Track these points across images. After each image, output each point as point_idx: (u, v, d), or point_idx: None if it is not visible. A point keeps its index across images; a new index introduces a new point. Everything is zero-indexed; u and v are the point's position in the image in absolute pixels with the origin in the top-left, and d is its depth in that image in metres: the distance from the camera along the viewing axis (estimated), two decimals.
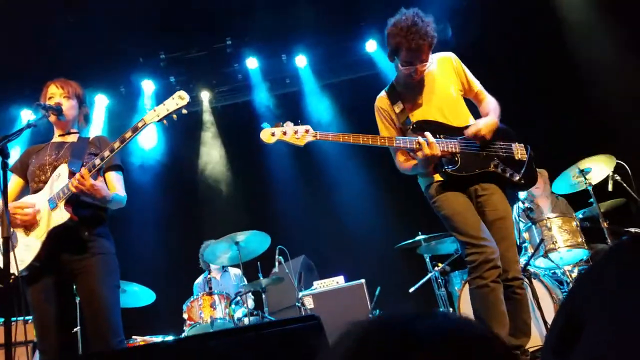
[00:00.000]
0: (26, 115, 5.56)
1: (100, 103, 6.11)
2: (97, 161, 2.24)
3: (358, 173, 5.85)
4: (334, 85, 6.29)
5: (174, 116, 2.29)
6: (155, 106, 2.31)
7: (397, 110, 2.53)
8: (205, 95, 6.37)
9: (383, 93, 2.63)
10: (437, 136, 2.39)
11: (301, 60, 6.13)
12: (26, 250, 2.23)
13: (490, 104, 2.62)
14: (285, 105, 6.35)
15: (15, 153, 2.34)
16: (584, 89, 5.03)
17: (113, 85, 6.12)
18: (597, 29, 5.00)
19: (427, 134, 2.34)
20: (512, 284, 2.41)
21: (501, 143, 2.53)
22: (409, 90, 2.54)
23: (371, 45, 6.05)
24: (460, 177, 2.41)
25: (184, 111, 2.30)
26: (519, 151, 2.55)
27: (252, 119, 6.31)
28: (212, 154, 6.39)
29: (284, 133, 2.38)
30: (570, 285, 3.69)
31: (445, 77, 2.57)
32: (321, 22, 5.65)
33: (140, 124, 2.28)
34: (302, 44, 6.02)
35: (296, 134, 2.38)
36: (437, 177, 2.49)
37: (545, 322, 3.34)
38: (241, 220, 5.32)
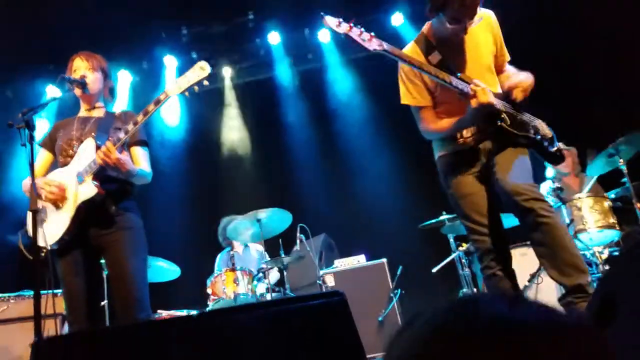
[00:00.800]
0: (52, 90, 5.63)
1: (124, 79, 6.14)
2: (122, 134, 2.24)
3: (381, 151, 5.75)
4: (358, 60, 6.14)
5: (196, 88, 2.28)
6: (177, 78, 2.30)
7: (434, 61, 2.22)
8: (227, 72, 6.33)
9: (412, 44, 2.34)
10: None
11: (324, 35, 5.99)
12: (56, 224, 2.26)
13: (516, 72, 2.41)
14: (309, 81, 6.26)
15: (41, 127, 2.37)
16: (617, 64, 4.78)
17: (136, 61, 6.13)
18: None
19: (478, 81, 2.11)
20: (528, 205, 2.05)
21: (529, 114, 2.38)
22: (447, 47, 2.26)
23: (397, 19, 5.85)
24: (510, 133, 2.20)
25: (206, 82, 2.27)
26: (543, 126, 2.42)
27: (274, 95, 6.25)
28: (234, 131, 6.38)
29: (350, 28, 2.07)
30: (601, 267, 3.58)
31: (487, 37, 2.35)
32: None
33: (162, 97, 2.28)
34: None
35: (361, 35, 2.07)
36: (449, 148, 2.33)
37: None
38: (263, 198, 5.33)
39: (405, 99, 2.36)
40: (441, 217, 4.18)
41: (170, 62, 6.07)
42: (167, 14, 5.54)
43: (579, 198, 3.63)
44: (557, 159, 2.43)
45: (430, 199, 5.02)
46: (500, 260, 2.24)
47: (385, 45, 2.08)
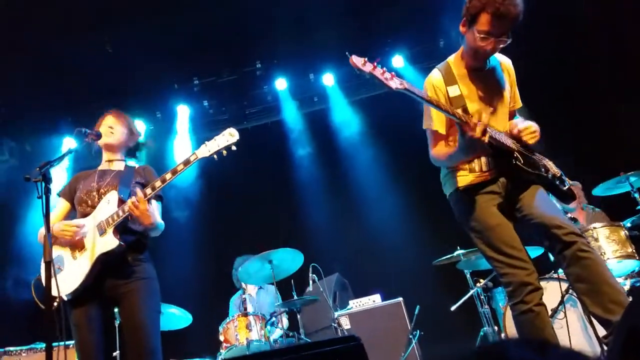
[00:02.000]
0: (69, 142, 5.81)
1: (140, 128, 6.32)
2: (149, 190, 2.32)
3: (391, 188, 5.77)
4: (362, 102, 6.29)
5: (224, 152, 2.37)
6: (207, 141, 2.40)
7: (452, 94, 2.26)
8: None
9: (436, 72, 2.38)
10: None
11: (328, 79, 6.18)
12: (73, 274, 2.29)
13: (522, 120, 2.45)
14: (315, 122, 6.39)
15: (58, 176, 2.43)
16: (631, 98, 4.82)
17: (150, 110, 6.35)
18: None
19: (485, 116, 2.08)
20: (569, 239, 2.04)
21: (538, 154, 2.40)
22: (468, 82, 2.30)
23: (398, 61, 6.03)
24: (524, 171, 2.21)
25: (234, 148, 2.38)
26: (552, 165, 2.42)
27: (282, 137, 6.37)
28: (244, 173, 6.47)
29: (374, 67, 2.07)
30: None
31: (505, 80, 2.39)
32: (346, 39, 5.70)
33: (192, 158, 2.36)
34: (329, 62, 6.09)
35: (383, 74, 2.08)
36: (466, 180, 2.30)
37: (598, 339, 3.14)
38: (273, 239, 5.32)
39: (426, 123, 2.40)
40: (456, 253, 4.12)
41: (182, 110, 6.27)
42: (179, 66, 5.80)
43: (594, 228, 3.56)
44: (568, 197, 2.40)
45: (444, 234, 4.98)
46: (537, 295, 2.13)
47: (406, 84, 2.11)
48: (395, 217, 5.63)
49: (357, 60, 2.09)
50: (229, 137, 2.35)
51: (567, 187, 2.37)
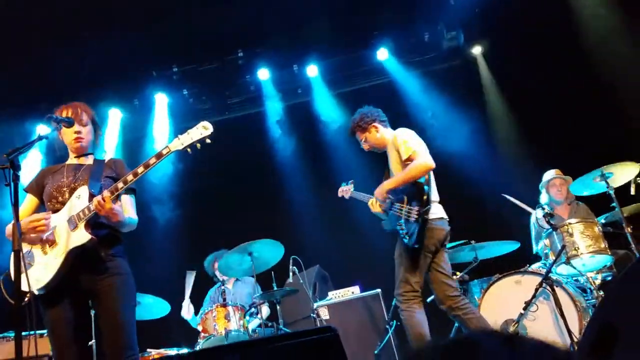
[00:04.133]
0: (42, 129, 5.65)
1: (115, 117, 6.18)
2: (120, 185, 2.27)
3: (373, 181, 5.77)
4: (345, 94, 6.27)
5: (198, 145, 2.33)
6: (180, 134, 2.35)
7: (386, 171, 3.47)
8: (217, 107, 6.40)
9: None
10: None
11: (312, 70, 6.13)
12: (44, 269, 2.24)
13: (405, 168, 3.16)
14: (297, 115, 6.35)
15: (26, 168, 2.36)
16: (607, 93, 4.92)
17: (127, 99, 6.20)
18: (617, 31, 4.90)
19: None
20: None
21: (400, 204, 3.16)
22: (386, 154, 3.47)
23: (382, 54, 6.02)
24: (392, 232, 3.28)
25: (208, 141, 2.34)
26: (414, 212, 3.05)
27: (264, 128, 6.32)
28: (225, 164, 6.40)
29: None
30: (594, 292, 3.56)
31: (393, 152, 3.32)
32: (331, 31, 5.66)
33: (164, 151, 2.32)
34: (313, 53, 6.03)
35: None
36: None
37: (569, 332, 3.23)
38: (254, 231, 5.30)
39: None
40: None
41: (161, 99, 6.14)
42: (158, 53, 5.65)
43: (570, 224, 3.64)
44: (413, 250, 3.14)
45: None
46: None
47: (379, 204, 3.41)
48: None
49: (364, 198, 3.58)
50: (202, 130, 2.32)
51: (409, 241, 3.09)
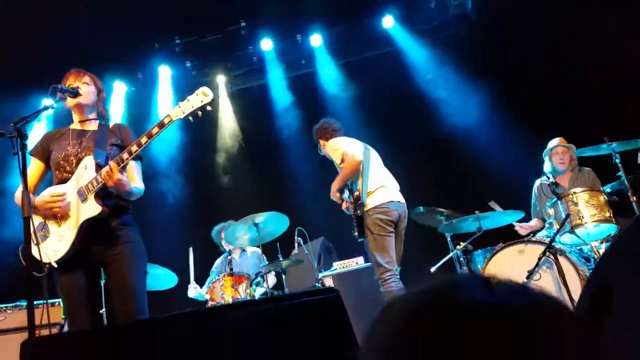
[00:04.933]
0: (47, 103, 5.63)
1: (119, 90, 6.16)
2: (125, 155, 2.28)
3: (377, 152, 5.76)
4: (350, 64, 6.17)
5: (199, 112, 2.30)
6: (180, 102, 2.33)
7: None
8: (221, 80, 6.35)
9: None
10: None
11: (316, 40, 6.03)
12: (60, 241, 2.28)
13: None
14: (301, 86, 6.28)
15: (33, 141, 2.38)
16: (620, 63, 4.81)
17: (130, 72, 6.16)
18: None
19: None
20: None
21: (345, 203, 3.68)
22: None
23: (388, 21, 5.89)
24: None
25: (209, 108, 2.31)
26: (351, 208, 3.58)
27: (268, 100, 6.27)
28: (229, 137, 6.40)
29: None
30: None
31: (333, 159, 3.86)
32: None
33: (166, 120, 2.31)
34: (317, 23, 5.92)
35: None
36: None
37: (571, 300, 3.26)
38: (260, 203, 5.33)
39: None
40: (438, 217, 4.18)
41: (164, 71, 6.09)
42: (160, 25, 5.58)
43: (575, 193, 3.62)
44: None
45: (427, 198, 5.04)
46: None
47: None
48: None
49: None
50: (202, 97, 2.28)
51: (353, 232, 3.60)
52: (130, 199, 2.45)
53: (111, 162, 2.26)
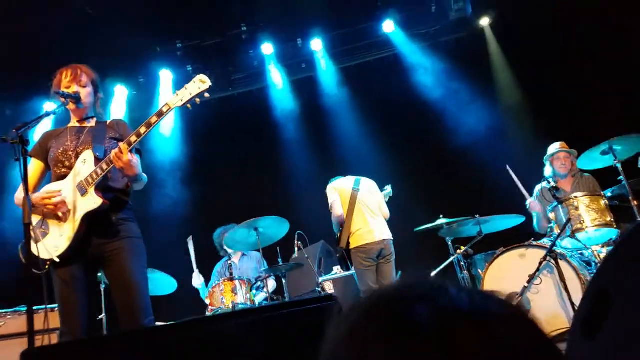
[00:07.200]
0: (49, 107, 5.65)
1: (121, 94, 6.18)
2: (134, 138, 2.25)
3: (377, 156, 5.77)
4: (351, 68, 6.19)
5: (197, 100, 2.29)
6: (178, 90, 2.31)
7: None
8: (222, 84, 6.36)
9: None
10: None
11: (317, 44, 6.04)
12: (60, 236, 2.25)
13: None
14: (302, 90, 6.29)
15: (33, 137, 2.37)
16: (617, 66, 4.82)
17: (132, 76, 6.17)
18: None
19: None
20: None
21: None
22: None
23: (388, 26, 5.91)
24: None
25: (207, 95, 2.29)
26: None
27: (269, 104, 6.28)
28: (230, 140, 6.40)
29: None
30: (599, 265, 3.57)
31: None
32: (336, 3, 5.55)
33: (165, 109, 2.29)
34: (318, 27, 5.94)
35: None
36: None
37: (572, 305, 3.25)
38: (260, 207, 5.33)
39: None
40: (438, 221, 4.18)
41: (165, 75, 6.11)
42: (162, 29, 5.60)
43: (576, 197, 3.62)
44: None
45: (428, 202, 5.04)
46: None
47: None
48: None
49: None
50: (200, 84, 2.26)
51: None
52: (135, 187, 2.41)
53: (121, 144, 2.22)
